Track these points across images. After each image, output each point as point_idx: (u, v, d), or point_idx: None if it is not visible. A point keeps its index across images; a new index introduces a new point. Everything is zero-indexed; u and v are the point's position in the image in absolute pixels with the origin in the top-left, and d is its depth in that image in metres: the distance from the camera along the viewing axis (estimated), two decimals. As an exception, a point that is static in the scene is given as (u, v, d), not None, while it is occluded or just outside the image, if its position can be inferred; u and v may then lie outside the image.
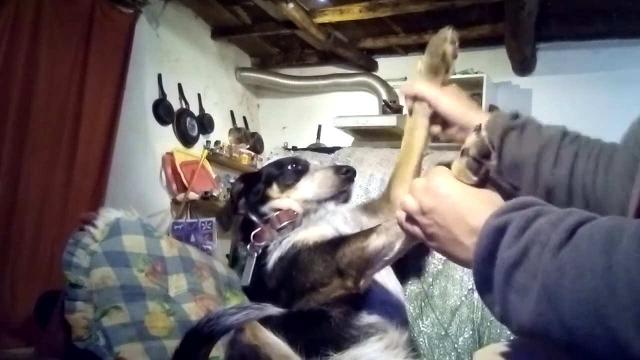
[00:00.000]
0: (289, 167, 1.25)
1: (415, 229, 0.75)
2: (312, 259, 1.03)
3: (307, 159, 1.32)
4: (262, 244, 1.15)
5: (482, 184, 0.72)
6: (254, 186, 1.25)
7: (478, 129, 0.72)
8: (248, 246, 1.16)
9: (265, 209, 1.21)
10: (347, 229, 1.13)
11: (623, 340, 0.45)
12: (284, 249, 1.09)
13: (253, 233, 1.17)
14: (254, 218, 1.21)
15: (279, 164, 1.29)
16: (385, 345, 0.96)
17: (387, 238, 0.94)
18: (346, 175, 1.22)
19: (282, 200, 1.21)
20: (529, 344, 0.70)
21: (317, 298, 0.99)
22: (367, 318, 0.99)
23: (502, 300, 0.57)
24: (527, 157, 0.98)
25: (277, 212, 1.18)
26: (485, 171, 0.72)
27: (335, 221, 1.15)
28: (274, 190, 1.23)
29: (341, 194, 1.21)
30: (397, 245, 0.94)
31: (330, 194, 1.19)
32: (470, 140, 0.73)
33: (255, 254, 1.14)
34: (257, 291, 1.11)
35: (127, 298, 1.07)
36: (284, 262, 1.07)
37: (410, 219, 0.76)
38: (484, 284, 0.60)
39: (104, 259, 1.09)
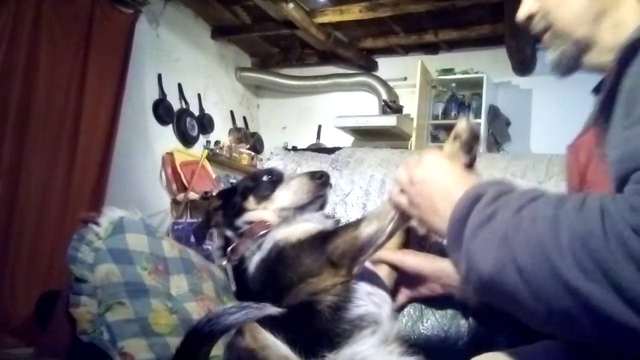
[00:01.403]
0: (264, 179, 1.27)
1: (402, 199, 0.83)
2: (298, 254, 1.04)
3: (281, 170, 1.34)
4: (239, 256, 1.16)
5: (471, 165, 0.84)
6: (231, 201, 1.27)
7: (467, 116, 0.82)
8: (225, 262, 1.18)
9: (239, 222, 1.22)
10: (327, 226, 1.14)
11: (563, 272, 0.54)
12: (264, 251, 1.10)
13: (229, 249, 1.19)
14: (228, 233, 1.23)
15: (254, 177, 1.31)
16: (379, 340, 0.97)
17: (379, 223, 0.96)
18: (321, 180, 1.23)
19: (257, 212, 1.23)
20: (528, 352, 0.71)
21: (306, 289, 1.00)
22: (357, 310, 1.00)
23: (467, 254, 0.64)
24: None
25: (251, 225, 1.20)
26: (474, 153, 0.84)
27: (313, 220, 1.17)
28: (251, 202, 1.25)
29: (318, 199, 1.23)
30: (389, 228, 0.96)
31: (307, 200, 1.21)
32: (461, 126, 0.85)
33: (231, 265, 1.16)
34: (244, 296, 1.12)
35: (131, 295, 1.07)
36: (267, 262, 1.08)
37: (400, 191, 0.84)
38: (454, 242, 0.67)
39: (108, 255, 1.10)
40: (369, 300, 1.02)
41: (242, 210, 1.24)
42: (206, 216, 1.28)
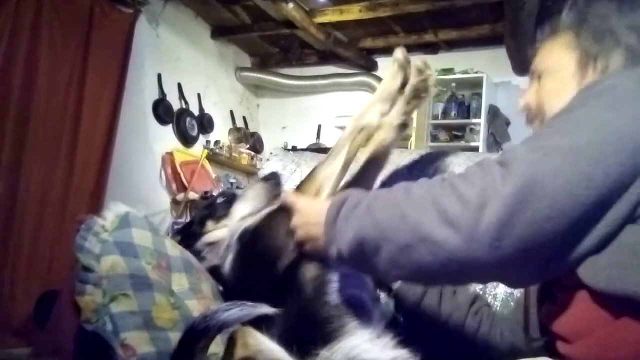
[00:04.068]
0: (219, 201, 1.33)
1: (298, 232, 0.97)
2: (271, 224, 1.08)
3: (233, 191, 1.41)
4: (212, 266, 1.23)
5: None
6: (190, 232, 1.31)
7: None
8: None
9: (199, 246, 1.26)
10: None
11: (408, 214, 0.72)
12: (234, 247, 1.14)
13: None
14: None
15: (209, 204, 1.37)
16: (371, 333, 0.97)
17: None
18: (275, 180, 1.30)
19: (216, 231, 1.26)
20: None
21: (290, 257, 1.02)
22: (341, 293, 1.00)
23: (339, 232, 0.81)
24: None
25: (209, 247, 1.24)
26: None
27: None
28: (209, 227, 1.30)
29: (275, 199, 1.25)
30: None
31: (265, 202, 1.25)
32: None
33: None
34: (228, 296, 1.16)
35: (135, 287, 1.08)
36: (242, 251, 1.12)
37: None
38: (329, 235, 0.83)
39: (115, 248, 1.11)
40: (346, 282, 1.03)
41: (202, 236, 1.29)
42: None
